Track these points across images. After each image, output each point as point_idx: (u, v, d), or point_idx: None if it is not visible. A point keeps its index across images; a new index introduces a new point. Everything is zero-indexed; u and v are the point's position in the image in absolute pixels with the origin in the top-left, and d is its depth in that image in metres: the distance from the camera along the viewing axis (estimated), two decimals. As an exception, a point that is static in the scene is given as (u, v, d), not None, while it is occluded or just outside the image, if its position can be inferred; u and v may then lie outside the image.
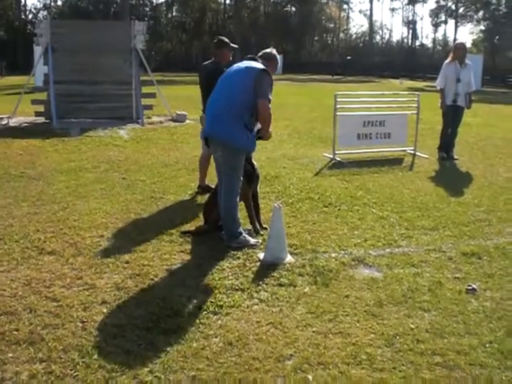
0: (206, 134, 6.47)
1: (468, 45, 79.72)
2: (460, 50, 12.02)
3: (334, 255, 6.09)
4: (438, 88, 12.20)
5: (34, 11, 78.50)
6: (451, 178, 10.33)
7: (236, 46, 8.44)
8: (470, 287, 5.34)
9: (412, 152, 12.45)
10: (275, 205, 6.09)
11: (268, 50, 6.67)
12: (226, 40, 8.42)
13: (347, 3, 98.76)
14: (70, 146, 12.71)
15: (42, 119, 16.99)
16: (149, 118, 17.82)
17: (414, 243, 6.63)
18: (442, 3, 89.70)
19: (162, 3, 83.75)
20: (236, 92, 6.11)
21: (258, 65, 6.21)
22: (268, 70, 6.15)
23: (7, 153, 11.66)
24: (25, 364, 3.89)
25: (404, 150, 12.56)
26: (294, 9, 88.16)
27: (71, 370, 3.83)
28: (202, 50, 78.29)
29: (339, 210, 7.89)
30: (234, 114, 6.06)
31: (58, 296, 4.95)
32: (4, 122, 16.25)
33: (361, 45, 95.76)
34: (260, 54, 6.57)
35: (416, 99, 12.84)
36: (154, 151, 12.22)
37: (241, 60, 6.77)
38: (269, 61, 6.42)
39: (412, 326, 4.55)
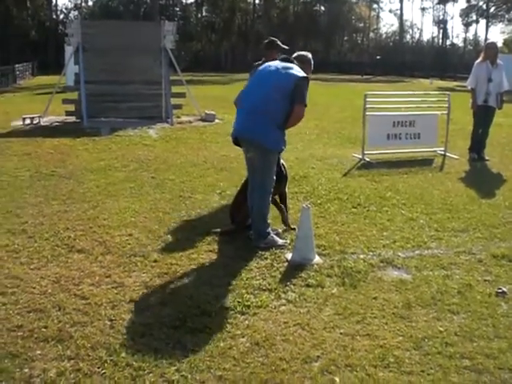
0: (238, 133, 6.31)
1: (499, 44, 78.97)
2: (491, 50, 11.88)
3: (362, 256, 6.06)
4: (469, 88, 12.06)
5: (65, 11, 79.26)
6: (482, 180, 10.20)
7: (287, 48, 8.21)
8: (500, 290, 5.27)
9: (442, 153, 12.32)
10: (303, 205, 6.07)
11: (304, 53, 6.64)
12: (277, 42, 8.23)
13: (377, 3, 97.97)
14: (100, 145, 12.82)
15: (72, 118, 17.16)
16: (178, 117, 17.89)
17: (443, 245, 6.56)
18: (473, 3, 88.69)
19: (191, 3, 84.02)
20: (273, 94, 6.03)
21: (299, 71, 6.15)
22: (308, 77, 6.16)
23: (38, 152, 11.79)
24: (53, 361, 3.92)
25: (434, 151, 12.44)
26: (323, 8, 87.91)
27: (99, 367, 3.85)
28: (231, 50, 78.55)
29: (368, 210, 7.84)
30: (268, 116, 6.03)
31: (87, 294, 4.99)
32: (35, 121, 16.43)
33: (391, 44, 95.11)
34: (295, 55, 6.54)
35: (446, 99, 12.72)
36: (182, 150, 12.26)
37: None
38: (304, 63, 6.41)
39: (441, 329, 4.50)
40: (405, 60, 78.26)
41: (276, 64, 6.30)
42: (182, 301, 4.88)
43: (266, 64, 6.44)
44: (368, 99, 11.69)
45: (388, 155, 11.84)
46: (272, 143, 6.14)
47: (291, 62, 6.32)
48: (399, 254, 6.20)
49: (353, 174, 10.37)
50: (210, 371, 3.86)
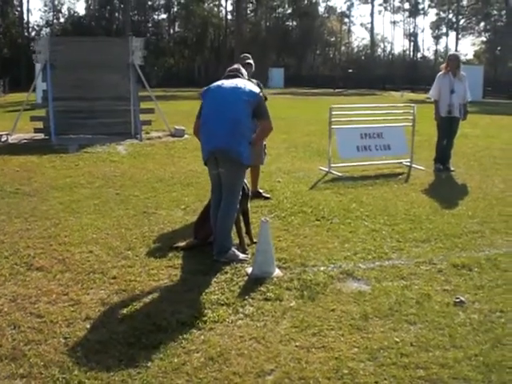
0: (216, 148, 6.27)
1: (470, 56, 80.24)
2: (453, 62, 11.96)
3: (322, 269, 6.06)
4: (432, 99, 12.20)
5: (37, 28, 78.94)
6: (446, 190, 10.29)
7: (247, 62, 8.48)
8: (458, 299, 5.30)
9: (408, 164, 12.42)
10: (262, 219, 6.08)
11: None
12: (243, 57, 8.70)
13: (348, 17, 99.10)
14: (67, 162, 12.74)
15: (41, 135, 17.05)
16: (147, 133, 17.85)
17: (404, 256, 6.59)
18: (443, 15, 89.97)
19: (164, 19, 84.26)
20: (246, 110, 6.21)
21: (253, 87, 6.42)
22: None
23: (4, 169, 11.69)
24: (5, 380, 3.88)
25: (400, 162, 12.52)
26: (295, 23, 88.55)
27: (50, 386, 3.81)
28: (204, 65, 78.69)
29: (331, 223, 7.86)
30: (243, 131, 6.21)
31: (43, 312, 4.94)
32: (3, 139, 16.30)
33: (362, 58, 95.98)
34: (238, 66, 6.85)
35: (411, 111, 12.83)
36: (150, 166, 12.23)
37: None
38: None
39: (397, 340, 4.51)
40: (377, 73, 78.93)
41: (232, 81, 6.43)
42: (139, 317, 4.85)
43: (220, 82, 6.52)
44: (333, 112, 11.76)
45: (354, 168, 11.90)
46: (246, 158, 6.27)
47: (239, 75, 6.58)
48: (360, 265, 6.22)
49: (319, 186, 10.39)
50: (163, 387, 3.83)
